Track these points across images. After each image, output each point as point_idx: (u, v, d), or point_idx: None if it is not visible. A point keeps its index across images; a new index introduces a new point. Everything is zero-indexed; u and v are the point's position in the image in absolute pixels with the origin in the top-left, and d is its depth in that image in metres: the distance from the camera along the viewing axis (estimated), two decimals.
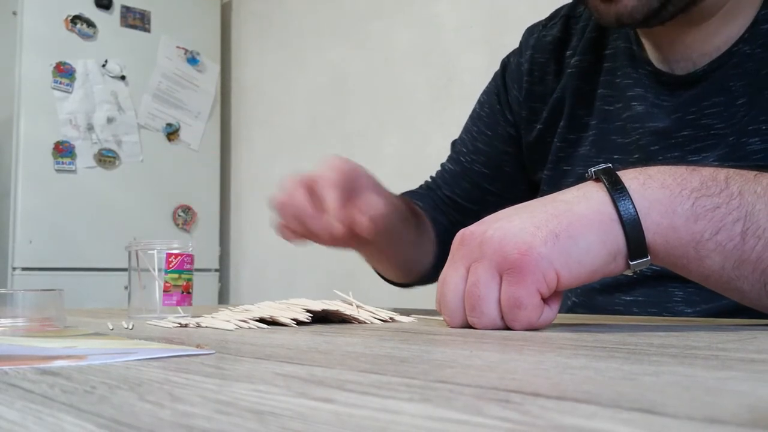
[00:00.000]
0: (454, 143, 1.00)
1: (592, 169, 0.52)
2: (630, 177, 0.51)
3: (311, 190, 0.73)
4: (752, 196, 0.49)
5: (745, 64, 0.70)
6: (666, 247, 0.50)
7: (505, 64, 0.94)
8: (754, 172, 0.52)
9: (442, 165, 1.01)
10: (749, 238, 0.49)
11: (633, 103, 0.77)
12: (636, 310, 0.75)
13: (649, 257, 0.50)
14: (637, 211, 0.49)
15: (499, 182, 0.94)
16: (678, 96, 0.74)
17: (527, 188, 0.93)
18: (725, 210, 0.49)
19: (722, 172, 0.51)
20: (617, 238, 0.49)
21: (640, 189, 0.50)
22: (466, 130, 0.98)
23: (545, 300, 0.50)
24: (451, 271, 0.53)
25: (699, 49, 0.73)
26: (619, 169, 0.52)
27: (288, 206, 0.74)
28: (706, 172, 0.51)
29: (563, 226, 0.49)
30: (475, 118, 0.97)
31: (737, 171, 0.52)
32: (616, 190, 0.50)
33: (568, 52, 0.86)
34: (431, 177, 1.03)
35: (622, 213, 0.49)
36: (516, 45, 0.95)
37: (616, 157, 0.78)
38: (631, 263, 0.50)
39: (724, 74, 0.71)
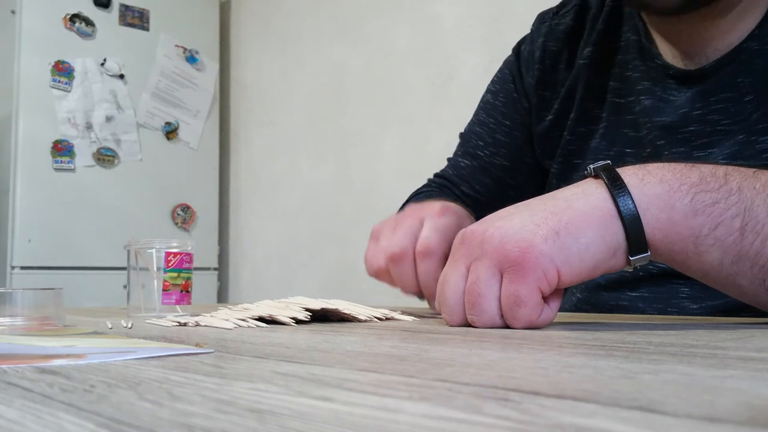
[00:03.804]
0: (466, 137, 0.95)
1: (591, 166, 0.53)
2: (629, 173, 0.51)
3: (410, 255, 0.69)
4: (751, 192, 0.49)
5: (754, 61, 0.70)
6: (665, 242, 0.50)
7: (518, 51, 0.92)
8: (753, 169, 0.52)
9: (454, 160, 0.96)
10: (748, 233, 0.49)
11: (642, 97, 0.77)
12: (641, 306, 0.75)
13: (648, 252, 0.50)
14: (636, 207, 0.49)
15: (521, 175, 0.90)
16: (685, 91, 0.74)
17: (542, 182, 0.89)
18: (724, 205, 0.49)
19: (721, 169, 0.51)
20: (617, 234, 0.50)
21: (639, 185, 0.50)
22: (481, 122, 0.93)
23: (545, 298, 0.50)
24: (452, 270, 0.53)
25: (714, 44, 0.72)
26: (618, 166, 0.52)
27: (387, 279, 0.71)
28: (706, 168, 0.51)
29: (563, 224, 0.49)
30: (489, 109, 0.93)
31: (736, 168, 0.52)
32: (616, 186, 0.50)
33: (581, 43, 0.84)
34: (437, 174, 0.98)
35: (621, 209, 0.49)
36: (514, 44, 0.94)
37: (628, 150, 0.77)
38: (630, 259, 0.50)
39: (732, 70, 0.71)
